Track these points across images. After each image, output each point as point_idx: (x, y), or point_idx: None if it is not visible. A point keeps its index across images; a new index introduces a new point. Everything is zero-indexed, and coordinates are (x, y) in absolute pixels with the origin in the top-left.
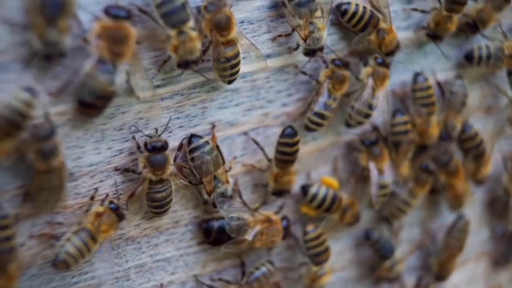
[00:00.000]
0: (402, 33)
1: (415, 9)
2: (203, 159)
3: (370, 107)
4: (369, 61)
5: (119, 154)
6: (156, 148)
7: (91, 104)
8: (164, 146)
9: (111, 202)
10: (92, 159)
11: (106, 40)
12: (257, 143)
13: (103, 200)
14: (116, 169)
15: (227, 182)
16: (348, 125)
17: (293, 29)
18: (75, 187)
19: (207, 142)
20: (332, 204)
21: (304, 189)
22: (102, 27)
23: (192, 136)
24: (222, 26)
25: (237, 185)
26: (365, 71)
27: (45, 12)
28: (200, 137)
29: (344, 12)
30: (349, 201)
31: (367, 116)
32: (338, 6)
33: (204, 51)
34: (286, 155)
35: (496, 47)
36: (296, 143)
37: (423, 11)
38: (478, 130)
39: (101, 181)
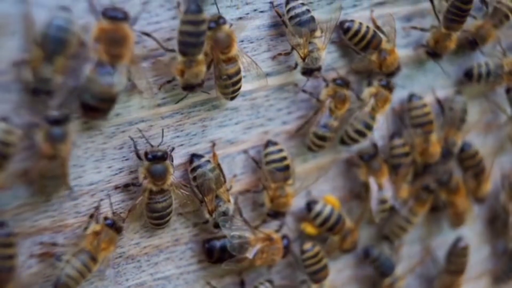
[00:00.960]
0: (401, 51)
1: (414, 27)
2: (205, 177)
3: (368, 126)
4: (374, 82)
5: (119, 172)
6: (156, 158)
7: (95, 107)
8: (164, 156)
9: (106, 218)
10: (92, 178)
11: (104, 42)
12: (256, 162)
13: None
14: (117, 187)
15: (229, 201)
16: (343, 142)
17: (293, 48)
18: (75, 206)
19: (208, 161)
20: (336, 225)
21: (309, 205)
22: (99, 30)
23: (193, 155)
24: (223, 43)
25: (237, 203)
26: (368, 91)
27: (45, 46)
28: (201, 156)
29: (347, 30)
30: (351, 226)
31: (363, 135)
32: (341, 23)
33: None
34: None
35: (495, 64)
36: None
37: (422, 29)
38: (477, 148)
39: (102, 199)
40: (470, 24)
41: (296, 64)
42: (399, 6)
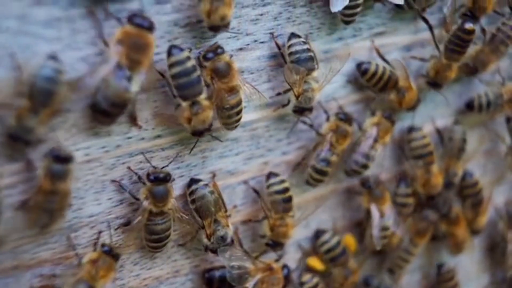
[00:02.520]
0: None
1: (414, 57)
2: (203, 199)
3: (369, 158)
4: (376, 112)
5: (119, 204)
6: (158, 179)
7: (105, 111)
8: (166, 178)
9: (103, 245)
10: (93, 210)
11: (127, 46)
12: (256, 192)
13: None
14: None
15: (227, 226)
16: (347, 174)
17: (289, 85)
18: (76, 237)
19: (206, 185)
20: (340, 256)
21: (318, 233)
22: (123, 33)
23: (192, 180)
24: (222, 73)
25: (237, 234)
26: (370, 121)
27: (33, 97)
28: (200, 180)
29: (365, 72)
30: (354, 267)
31: (365, 166)
32: (358, 65)
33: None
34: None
35: (494, 94)
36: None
37: (422, 59)
38: (478, 178)
39: (101, 231)
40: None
41: (288, 101)
42: (399, 36)
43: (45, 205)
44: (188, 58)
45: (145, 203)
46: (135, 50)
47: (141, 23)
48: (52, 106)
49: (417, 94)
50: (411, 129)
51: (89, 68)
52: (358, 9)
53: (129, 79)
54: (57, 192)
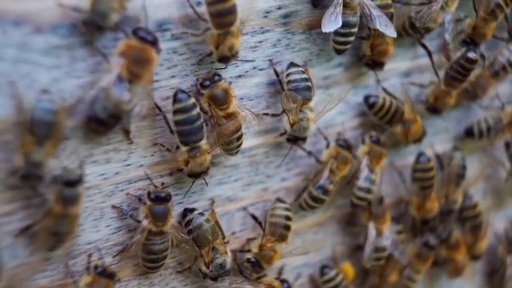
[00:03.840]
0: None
1: (413, 83)
2: (200, 229)
3: (372, 182)
4: (365, 139)
5: (117, 231)
6: (159, 198)
7: (101, 120)
8: (167, 197)
9: (96, 267)
10: (91, 237)
11: (128, 58)
12: (255, 218)
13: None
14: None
15: (226, 253)
16: (353, 205)
17: (283, 111)
18: (74, 265)
19: (201, 214)
20: None
21: (323, 270)
22: (126, 46)
23: (186, 209)
24: (220, 99)
25: (236, 260)
26: (361, 149)
27: (34, 131)
28: (194, 209)
29: (372, 105)
30: None
31: (369, 191)
32: (366, 98)
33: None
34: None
35: (494, 119)
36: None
37: (421, 85)
38: (477, 201)
39: (100, 258)
40: None
41: (285, 131)
42: (398, 62)
43: (55, 228)
44: (194, 105)
45: (145, 222)
46: (136, 64)
47: (145, 36)
48: (55, 136)
49: (423, 126)
50: (420, 156)
51: (89, 80)
52: (351, 38)
53: (128, 91)
54: (67, 216)
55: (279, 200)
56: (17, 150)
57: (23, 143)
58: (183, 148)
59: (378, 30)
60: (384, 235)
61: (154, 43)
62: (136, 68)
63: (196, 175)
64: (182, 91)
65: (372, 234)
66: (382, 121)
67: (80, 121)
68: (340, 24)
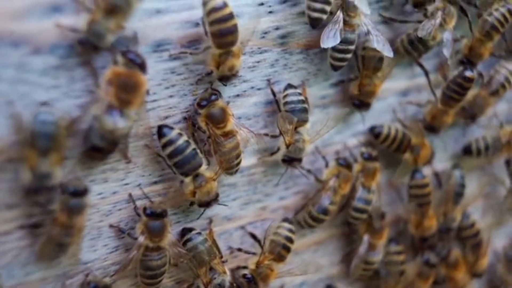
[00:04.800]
0: (398, 124)
1: (410, 102)
2: (196, 250)
3: (367, 202)
4: (357, 157)
5: (115, 251)
6: (155, 214)
7: (98, 148)
8: (163, 213)
9: (88, 283)
10: (88, 257)
11: (116, 86)
12: (254, 237)
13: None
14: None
15: (224, 272)
16: (349, 224)
17: (280, 132)
18: (71, 285)
19: (199, 233)
20: None
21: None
22: (113, 73)
23: (184, 229)
24: (217, 119)
25: (234, 279)
26: (355, 167)
27: (36, 144)
28: (192, 229)
29: (378, 135)
30: None
31: (364, 211)
32: (372, 129)
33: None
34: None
35: (492, 137)
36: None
37: (418, 104)
38: (475, 220)
39: (88, 273)
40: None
41: (278, 149)
42: (395, 81)
43: (60, 239)
44: (180, 134)
45: (141, 238)
46: (124, 91)
47: (134, 58)
48: (58, 147)
49: (431, 149)
50: (415, 173)
51: (82, 109)
52: (348, 55)
53: (120, 118)
54: (73, 226)
55: (285, 220)
56: (22, 166)
57: (27, 158)
58: (187, 180)
59: (366, 71)
60: (376, 250)
61: (142, 66)
62: (125, 95)
63: (206, 204)
64: (164, 126)
65: (364, 247)
66: (390, 149)
67: (78, 144)
68: (338, 40)
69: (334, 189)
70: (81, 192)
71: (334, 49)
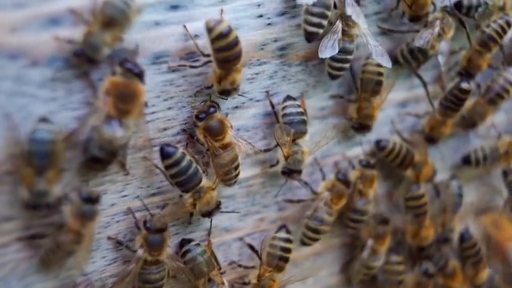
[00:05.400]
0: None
1: (409, 113)
2: (195, 261)
3: (363, 213)
4: (355, 164)
5: (113, 262)
6: (155, 228)
7: (97, 159)
8: (163, 227)
9: None
10: (87, 268)
11: (114, 96)
12: (252, 248)
13: None
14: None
15: (223, 283)
16: (349, 227)
17: (277, 145)
18: None
19: (198, 244)
20: None
21: None
22: (111, 83)
23: (183, 240)
24: (215, 131)
25: None
26: (353, 174)
27: (33, 162)
28: (191, 240)
29: (382, 149)
30: None
31: (364, 213)
32: (377, 142)
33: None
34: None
35: (490, 148)
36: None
37: (416, 116)
38: (477, 238)
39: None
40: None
41: (277, 162)
42: (394, 92)
43: (69, 246)
44: (183, 154)
45: (140, 251)
46: (122, 100)
47: (132, 68)
48: (54, 165)
49: (433, 168)
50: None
51: (80, 121)
52: (347, 65)
53: (119, 128)
54: (83, 234)
55: (281, 228)
56: (19, 183)
57: (24, 176)
58: (186, 195)
59: (364, 94)
60: (378, 255)
61: (140, 75)
62: (123, 105)
63: (208, 214)
64: (168, 145)
65: (367, 252)
66: (393, 164)
67: (76, 156)
68: (336, 51)
69: (326, 202)
70: (95, 199)
71: (332, 58)
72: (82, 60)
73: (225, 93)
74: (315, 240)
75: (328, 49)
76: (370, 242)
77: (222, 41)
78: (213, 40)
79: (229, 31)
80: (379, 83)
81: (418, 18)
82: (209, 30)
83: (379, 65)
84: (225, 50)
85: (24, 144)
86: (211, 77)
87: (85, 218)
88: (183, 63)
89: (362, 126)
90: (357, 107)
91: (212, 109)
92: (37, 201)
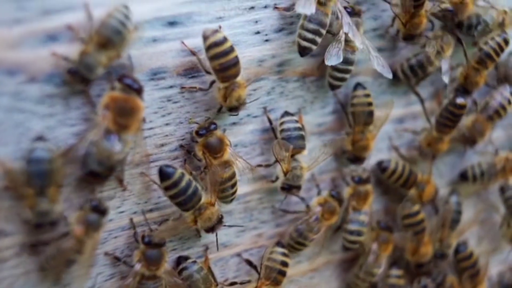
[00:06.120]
0: (394, 152)
1: (406, 130)
2: (192, 279)
3: (361, 224)
4: (348, 181)
5: (110, 278)
6: (153, 243)
7: (96, 173)
8: (161, 242)
9: None
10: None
11: (113, 111)
12: (250, 263)
13: None
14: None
15: None
16: (346, 248)
17: (276, 160)
18: None
19: (194, 262)
20: None
21: None
22: (110, 98)
23: (180, 257)
24: (214, 148)
25: None
26: (346, 191)
27: (32, 183)
28: (188, 257)
29: (384, 170)
30: None
31: (359, 234)
32: (379, 163)
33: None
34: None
35: (488, 164)
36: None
37: (414, 132)
38: (472, 249)
39: None
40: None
41: (277, 178)
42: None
43: (71, 254)
44: (182, 174)
45: (138, 266)
46: (121, 115)
47: (131, 84)
48: (54, 183)
49: (436, 188)
50: (405, 202)
51: (78, 137)
52: (347, 76)
53: (118, 143)
54: (86, 243)
55: (278, 244)
56: (21, 204)
57: (25, 197)
58: (187, 214)
59: (357, 126)
60: (380, 262)
61: (139, 91)
62: (122, 120)
63: (210, 230)
64: (166, 166)
65: (371, 259)
66: (396, 185)
67: (75, 172)
68: (341, 59)
69: (317, 217)
70: (103, 210)
71: (334, 68)
72: (76, 79)
73: (233, 110)
74: (299, 250)
75: (333, 57)
76: (374, 246)
77: (217, 48)
78: (208, 48)
79: (224, 39)
80: (370, 114)
81: (412, 37)
82: (205, 38)
83: (366, 95)
84: (221, 56)
85: (19, 169)
86: (217, 95)
87: (90, 227)
88: (194, 85)
89: (357, 158)
90: (351, 139)
91: (213, 126)
92: (41, 220)
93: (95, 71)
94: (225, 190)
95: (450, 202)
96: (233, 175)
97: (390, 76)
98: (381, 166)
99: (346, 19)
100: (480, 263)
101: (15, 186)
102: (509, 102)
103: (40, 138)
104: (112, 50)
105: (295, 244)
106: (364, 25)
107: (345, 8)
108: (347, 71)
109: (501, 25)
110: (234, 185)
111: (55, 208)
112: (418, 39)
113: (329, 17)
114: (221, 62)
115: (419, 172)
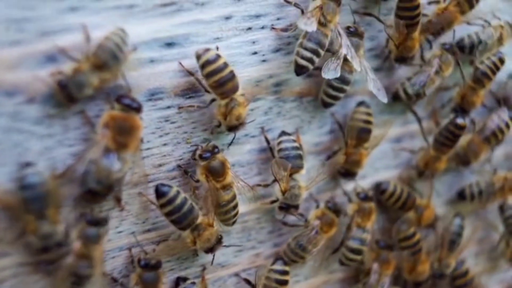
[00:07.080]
0: (392, 171)
1: (404, 149)
2: None
3: (363, 242)
4: (353, 197)
5: None
6: (149, 265)
7: (94, 192)
8: (157, 265)
9: None
10: None
11: (113, 129)
12: (249, 282)
13: None
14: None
15: None
16: (342, 263)
17: (274, 180)
18: None
19: (193, 283)
20: None
21: None
22: (109, 117)
23: (179, 278)
24: (217, 172)
25: None
26: (350, 207)
27: (30, 208)
28: (187, 278)
29: (383, 192)
30: None
31: (359, 252)
32: (377, 185)
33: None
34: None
35: (486, 183)
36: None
37: (411, 151)
38: (468, 267)
39: None
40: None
41: (277, 199)
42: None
43: (75, 270)
44: (178, 192)
45: None
46: (121, 133)
47: (130, 104)
48: (52, 204)
49: (435, 212)
50: (400, 225)
51: (77, 156)
52: (341, 95)
53: (117, 161)
54: (90, 257)
55: (277, 261)
56: (24, 230)
57: (26, 223)
58: (185, 233)
59: (351, 141)
60: (383, 282)
61: (138, 109)
62: (122, 138)
63: (209, 250)
64: (162, 185)
65: (374, 276)
66: (394, 207)
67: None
68: (339, 74)
69: (315, 230)
70: (100, 222)
71: (329, 85)
72: (63, 94)
73: (233, 128)
74: (295, 262)
75: (331, 71)
76: (375, 266)
77: (211, 66)
78: (202, 66)
79: (217, 57)
80: (368, 131)
81: (403, 59)
82: (198, 57)
83: (368, 114)
84: (215, 73)
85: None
86: (216, 113)
87: (89, 241)
88: (192, 103)
89: (348, 172)
90: (344, 153)
91: (216, 150)
92: (46, 244)
93: (84, 91)
94: (227, 213)
95: (453, 223)
96: (234, 197)
97: (385, 100)
98: (380, 188)
99: (345, 41)
100: (477, 281)
101: (13, 212)
102: (507, 125)
103: (28, 164)
104: (106, 73)
105: (294, 256)
106: None
107: (349, 27)
108: (341, 90)
109: (500, 39)
110: (235, 207)
111: (57, 229)
112: (410, 62)
113: (328, 38)
114: (216, 79)
115: (418, 196)
